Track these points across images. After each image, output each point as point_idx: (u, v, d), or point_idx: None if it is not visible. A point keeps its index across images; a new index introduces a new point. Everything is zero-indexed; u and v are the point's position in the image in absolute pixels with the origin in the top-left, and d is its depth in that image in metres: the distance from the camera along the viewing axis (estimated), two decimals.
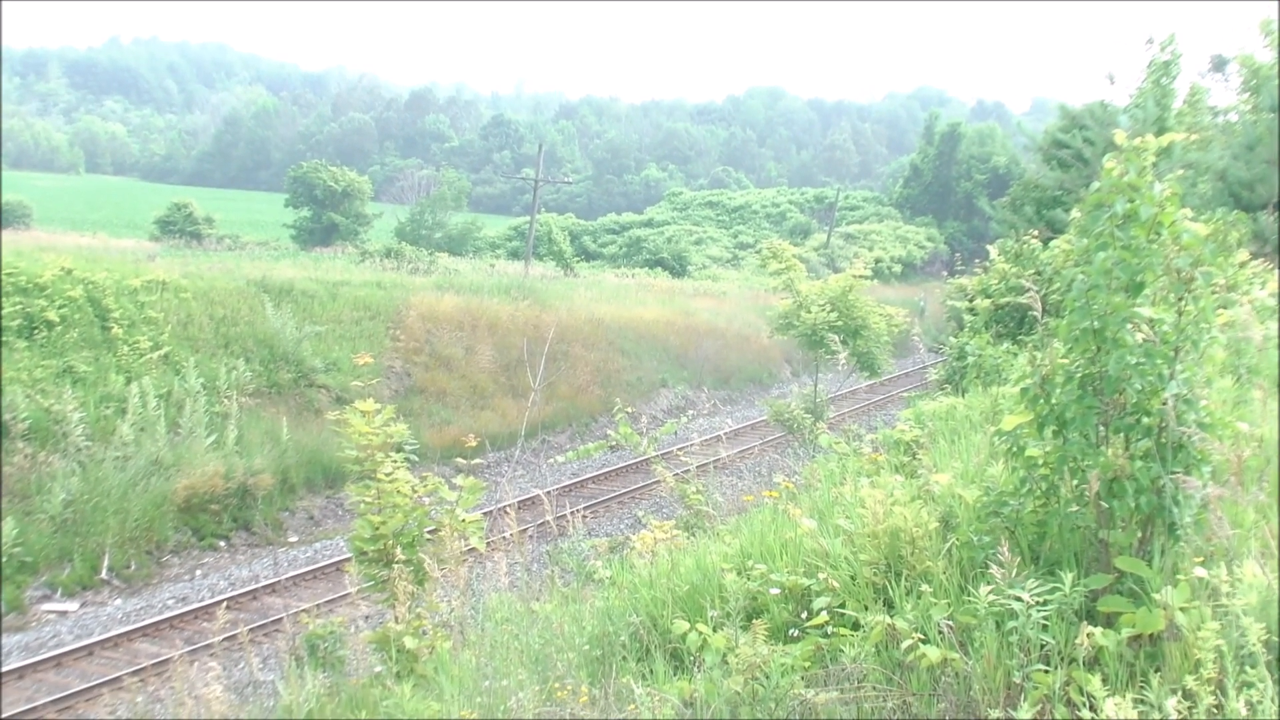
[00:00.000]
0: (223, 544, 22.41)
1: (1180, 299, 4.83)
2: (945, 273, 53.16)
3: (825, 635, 5.20)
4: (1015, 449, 5.26)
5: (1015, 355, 12.13)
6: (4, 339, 23.31)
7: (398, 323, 33.74)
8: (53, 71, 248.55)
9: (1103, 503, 4.80)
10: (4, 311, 23.77)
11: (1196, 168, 22.60)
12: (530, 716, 5.36)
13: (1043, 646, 4.37)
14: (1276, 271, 10.45)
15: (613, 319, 41.33)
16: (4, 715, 15.20)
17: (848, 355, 23.18)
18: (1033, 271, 14.75)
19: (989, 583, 4.59)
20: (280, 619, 16.68)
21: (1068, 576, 4.48)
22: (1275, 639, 4.13)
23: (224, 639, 15.95)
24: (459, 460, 9.67)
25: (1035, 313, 5.67)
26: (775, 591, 5.70)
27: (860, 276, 26.16)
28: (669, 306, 47.16)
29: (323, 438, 25.29)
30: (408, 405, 29.20)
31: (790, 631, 5.43)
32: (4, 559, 19.01)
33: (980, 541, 5.19)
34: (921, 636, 4.69)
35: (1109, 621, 4.44)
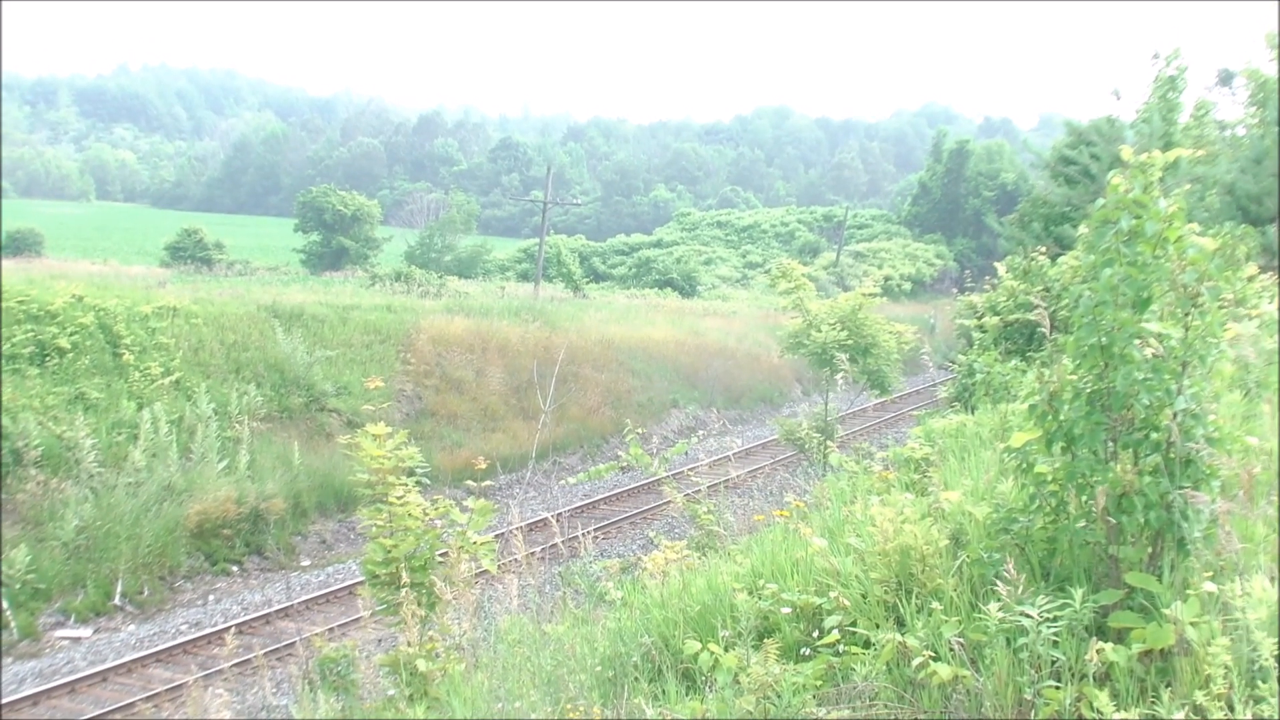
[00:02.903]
0: (235, 569, 22.43)
1: (1187, 314, 4.85)
2: (955, 290, 53.18)
3: (837, 654, 5.20)
4: (1024, 466, 5.27)
5: (1024, 372, 12.12)
6: (16, 366, 23.43)
7: (408, 346, 33.80)
8: (62, 99, 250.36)
9: (1112, 518, 4.81)
10: (16, 339, 23.88)
11: (1204, 182, 22.61)
12: None
13: (1053, 663, 4.37)
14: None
15: (623, 340, 41.36)
16: None
17: (856, 373, 23.13)
18: (1041, 288, 14.73)
19: (999, 600, 4.60)
20: (293, 643, 16.70)
21: (1078, 592, 4.49)
22: None
23: (237, 663, 16.03)
24: (470, 483, 9.68)
25: (1044, 329, 5.68)
26: (787, 611, 5.70)
27: (870, 295, 26.10)
28: (679, 327, 47.15)
29: (334, 461, 25.33)
30: (419, 428, 29.24)
31: (802, 650, 5.44)
32: (18, 586, 19.07)
33: (990, 558, 5.19)
34: (932, 654, 4.69)
35: (1119, 637, 4.44)
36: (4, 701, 15.89)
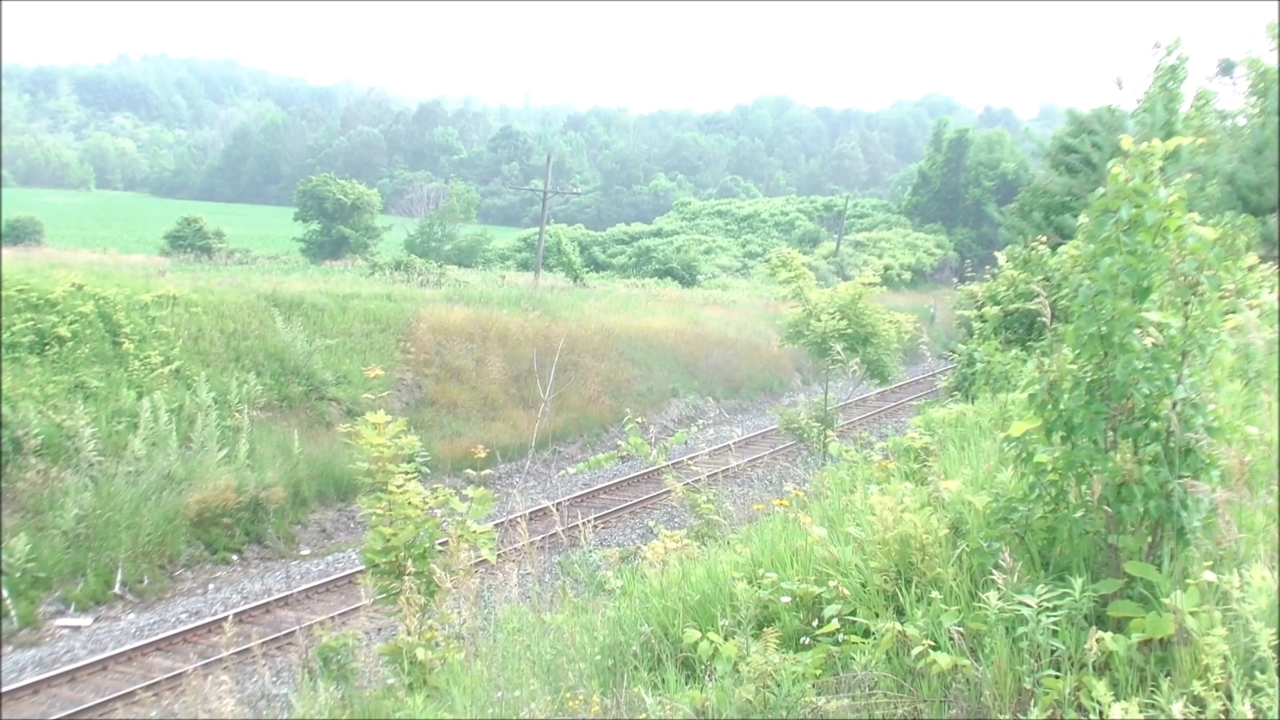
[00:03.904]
0: (235, 557, 22.44)
1: (1187, 303, 4.84)
2: (955, 279, 53.07)
3: (836, 643, 5.20)
4: (1024, 455, 5.26)
5: (1024, 361, 12.11)
6: (16, 355, 23.42)
7: (408, 335, 33.78)
8: (62, 88, 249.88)
9: (1111, 508, 4.81)
10: (16, 328, 23.87)
11: (1204, 171, 22.59)
12: None
13: (1053, 652, 4.37)
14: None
15: (622, 329, 41.34)
16: None
17: (857, 364, 23.11)
18: (1041, 277, 14.72)
19: (998, 589, 4.60)
20: (293, 632, 16.71)
21: (1077, 582, 4.48)
22: None
23: (237, 652, 16.04)
24: (470, 471, 9.69)
25: (1044, 318, 5.67)
26: (786, 600, 5.71)
27: (869, 284, 26.08)
28: (679, 316, 47.12)
29: (334, 450, 25.32)
30: (418, 417, 29.23)
31: (801, 639, 5.44)
32: (18, 574, 19.08)
33: (990, 548, 5.19)
34: (932, 643, 4.69)
35: (1119, 626, 4.44)
36: (4, 690, 15.91)
